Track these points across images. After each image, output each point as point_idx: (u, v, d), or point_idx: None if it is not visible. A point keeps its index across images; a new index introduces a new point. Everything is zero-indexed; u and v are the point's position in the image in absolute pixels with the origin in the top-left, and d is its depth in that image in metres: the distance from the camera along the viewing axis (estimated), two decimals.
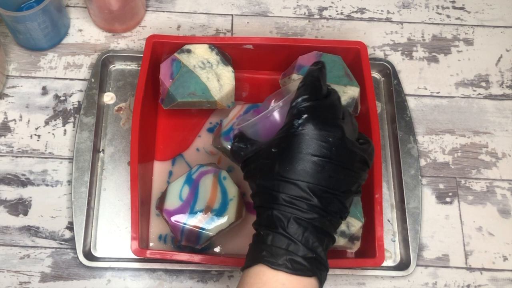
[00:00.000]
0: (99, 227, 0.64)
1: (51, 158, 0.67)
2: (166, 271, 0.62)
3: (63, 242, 0.63)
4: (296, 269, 0.40)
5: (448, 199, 0.67)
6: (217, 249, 0.63)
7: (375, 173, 0.60)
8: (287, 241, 0.41)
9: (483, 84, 0.74)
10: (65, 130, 0.69)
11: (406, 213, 0.65)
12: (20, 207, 0.65)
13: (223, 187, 0.59)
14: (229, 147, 0.62)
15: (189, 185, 0.58)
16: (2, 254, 0.62)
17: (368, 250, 0.59)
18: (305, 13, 0.78)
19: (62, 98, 0.70)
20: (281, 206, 0.41)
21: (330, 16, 0.78)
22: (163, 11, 0.77)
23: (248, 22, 0.77)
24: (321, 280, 0.43)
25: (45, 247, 0.63)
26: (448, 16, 0.79)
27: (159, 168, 0.66)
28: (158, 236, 0.63)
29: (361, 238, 0.59)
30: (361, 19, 0.78)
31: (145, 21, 0.76)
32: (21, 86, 0.71)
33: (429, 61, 0.75)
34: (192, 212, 0.57)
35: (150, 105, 0.66)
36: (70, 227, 0.64)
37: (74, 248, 0.62)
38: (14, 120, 0.69)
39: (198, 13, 0.77)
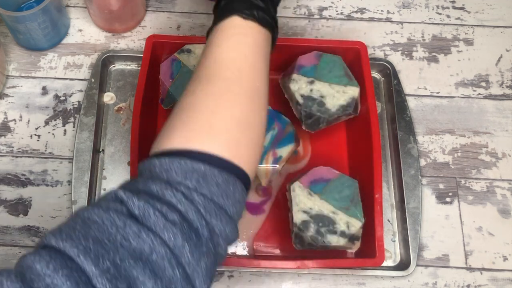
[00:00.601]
0: None
1: (51, 158, 0.67)
2: None
3: None
4: (261, 21, 0.45)
5: (448, 199, 0.67)
6: None
7: (375, 173, 0.60)
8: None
9: (483, 84, 0.74)
10: (65, 130, 0.69)
11: (406, 213, 0.65)
12: (20, 207, 0.65)
13: None
14: None
15: None
16: (2, 254, 0.62)
17: (368, 250, 0.59)
18: (305, 13, 0.78)
19: (62, 98, 0.70)
20: None
21: (330, 16, 0.78)
22: (163, 11, 0.77)
23: None
24: (274, 37, 0.48)
25: None
26: (448, 16, 0.79)
27: None
28: None
29: (361, 238, 0.59)
30: (361, 19, 0.78)
31: (145, 21, 0.76)
32: (21, 86, 0.71)
33: (429, 61, 0.75)
34: None
35: (150, 105, 0.66)
36: None
37: None
38: (14, 120, 0.69)
39: (198, 13, 0.77)
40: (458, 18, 0.78)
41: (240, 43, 0.45)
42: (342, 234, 0.57)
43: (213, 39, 0.46)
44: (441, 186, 0.68)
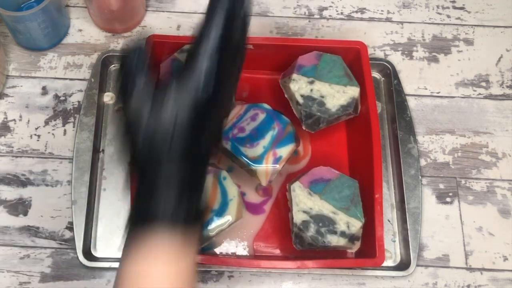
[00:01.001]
0: (99, 227, 0.64)
1: (51, 158, 0.67)
2: None
3: (63, 242, 0.63)
4: (186, 228, 0.39)
5: (448, 199, 0.67)
6: (217, 249, 0.63)
7: (375, 173, 0.60)
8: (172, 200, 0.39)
9: (483, 84, 0.74)
10: (65, 130, 0.69)
11: (406, 213, 0.65)
12: (20, 207, 0.65)
13: (223, 187, 0.59)
14: (229, 147, 0.62)
15: None
16: (2, 254, 0.62)
17: (368, 250, 0.59)
18: (305, 13, 0.78)
19: (62, 98, 0.70)
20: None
21: (330, 16, 0.78)
22: (163, 11, 0.77)
23: None
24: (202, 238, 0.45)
25: (45, 247, 0.63)
26: (448, 16, 0.79)
27: None
28: None
29: (361, 238, 0.59)
30: (361, 19, 0.78)
31: (145, 21, 0.76)
32: (21, 86, 0.71)
33: (429, 61, 0.75)
34: None
35: None
36: (70, 227, 0.64)
37: (74, 248, 0.62)
38: (14, 120, 0.69)
39: (198, 13, 0.77)
40: (458, 18, 0.78)
41: (161, 277, 0.39)
42: (342, 234, 0.57)
43: (131, 262, 0.40)
44: (441, 186, 0.68)
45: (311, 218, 0.58)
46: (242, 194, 0.65)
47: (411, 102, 0.72)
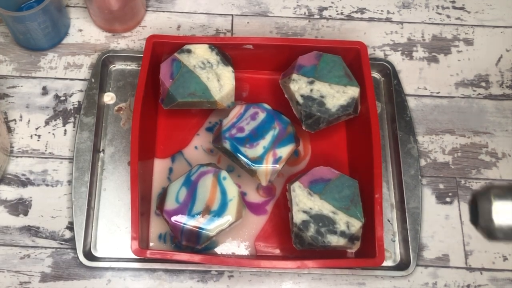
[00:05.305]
0: (99, 227, 0.64)
1: (51, 158, 0.67)
2: (166, 271, 0.62)
3: (63, 242, 0.63)
4: None
5: (448, 199, 0.67)
6: (217, 249, 0.63)
7: (375, 173, 0.60)
8: None
9: (483, 84, 0.74)
10: (65, 130, 0.69)
11: (406, 213, 0.65)
12: (20, 207, 0.65)
13: (223, 187, 0.59)
14: (228, 147, 0.62)
15: (187, 187, 0.58)
16: (2, 254, 0.62)
17: (368, 250, 0.59)
18: (305, 13, 0.78)
19: (62, 98, 0.70)
20: None
21: (330, 16, 0.78)
22: (163, 11, 0.77)
23: (248, 22, 0.77)
24: None
25: (45, 247, 0.63)
26: (448, 16, 0.79)
27: (159, 166, 0.66)
28: (158, 235, 0.63)
29: (361, 238, 0.59)
30: (361, 19, 0.78)
31: (145, 21, 0.76)
32: (21, 86, 0.71)
33: (429, 61, 0.75)
34: (190, 214, 0.57)
35: (150, 105, 0.66)
36: (70, 227, 0.64)
37: (74, 248, 0.63)
38: (14, 120, 0.69)
39: (198, 13, 0.77)
40: (458, 18, 0.78)
41: None
42: (342, 234, 0.57)
43: None
44: (441, 186, 0.68)
45: (311, 218, 0.58)
46: (242, 194, 0.65)
47: (411, 102, 0.72)
